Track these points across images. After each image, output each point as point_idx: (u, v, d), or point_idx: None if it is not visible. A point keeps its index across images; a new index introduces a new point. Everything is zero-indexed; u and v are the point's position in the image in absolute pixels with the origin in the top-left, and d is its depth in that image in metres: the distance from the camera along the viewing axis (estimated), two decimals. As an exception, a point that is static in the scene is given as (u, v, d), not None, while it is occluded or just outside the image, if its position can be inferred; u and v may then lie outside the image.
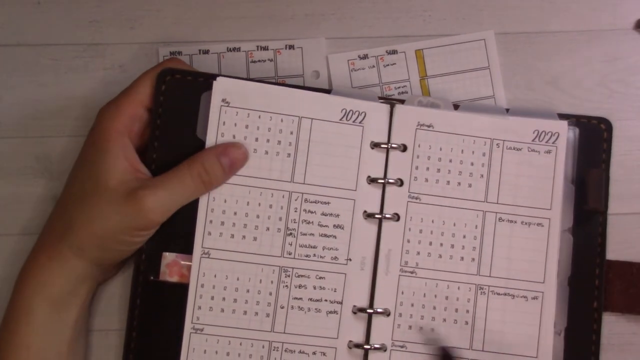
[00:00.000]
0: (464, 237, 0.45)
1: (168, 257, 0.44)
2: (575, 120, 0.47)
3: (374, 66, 0.51)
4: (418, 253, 0.45)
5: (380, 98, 0.47)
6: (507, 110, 0.47)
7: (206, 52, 0.50)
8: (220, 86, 0.45)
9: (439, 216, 0.45)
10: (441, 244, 0.45)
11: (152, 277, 0.44)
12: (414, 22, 0.51)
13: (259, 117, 0.45)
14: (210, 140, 0.44)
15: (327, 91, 0.46)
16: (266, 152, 0.45)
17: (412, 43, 0.51)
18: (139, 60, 0.50)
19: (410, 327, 0.45)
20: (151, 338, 0.44)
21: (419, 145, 0.46)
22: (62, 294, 0.42)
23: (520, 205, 0.45)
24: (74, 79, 0.50)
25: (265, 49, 0.50)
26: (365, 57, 0.51)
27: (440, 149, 0.46)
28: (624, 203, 0.50)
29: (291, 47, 0.51)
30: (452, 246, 0.45)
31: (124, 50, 0.50)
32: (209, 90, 0.45)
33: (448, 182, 0.46)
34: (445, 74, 0.50)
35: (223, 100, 0.45)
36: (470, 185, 0.45)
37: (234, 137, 0.45)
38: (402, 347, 0.44)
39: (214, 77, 0.45)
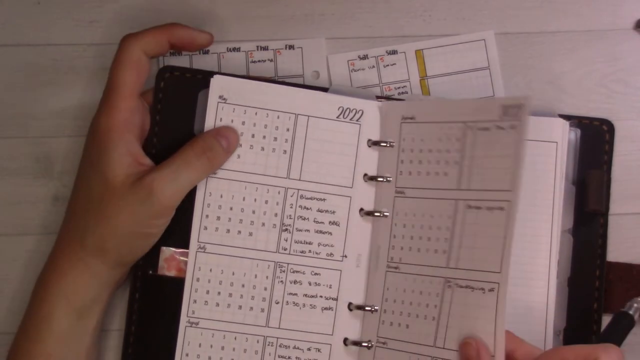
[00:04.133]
0: (439, 228, 0.43)
1: (166, 251, 0.45)
2: (577, 121, 0.47)
3: (374, 66, 0.50)
4: (402, 248, 0.45)
5: (378, 97, 0.47)
6: None
7: (206, 52, 0.50)
8: (217, 83, 0.45)
9: (421, 210, 0.44)
10: (420, 238, 0.44)
11: (150, 272, 0.45)
12: (414, 22, 0.51)
13: (256, 113, 0.45)
14: None
15: (325, 89, 0.46)
16: (262, 149, 0.45)
17: (412, 43, 0.51)
18: (139, 60, 0.50)
19: (391, 323, 0.44)
20: (150, 331, 0.45)
21: (404, 139, 0.45)
22: (86, 302, 0.42)
23: (486, 189, 0.42)
24: (74, 79, 0.50)
25: (265, 49, 0.50)
26: (365, 57, 0.51)
27: (422, 140, 0.45)
28: (624, 203, 0.50)
29: (291, 47, 0.51)
30: (429, 239, 0.44)
31: (124, 50, 0.50)
32: (207, 88, 0.45)
33: (428, 173, 0.44)
34: (445, 74, 0.50)
35: (220, 97, 0.45)
36: (446, 174, 0.44)
37: None
38: (384, 344, 0.44)
39: (211, 74, 0.45)
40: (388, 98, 0.47)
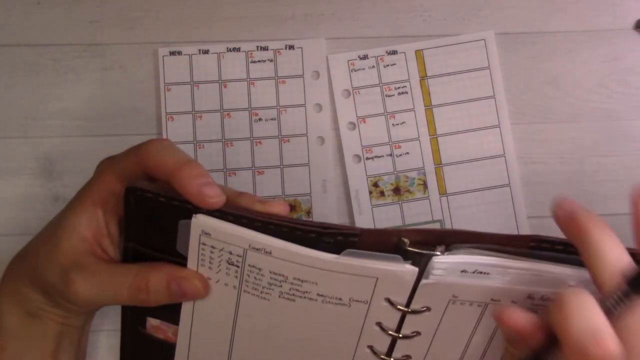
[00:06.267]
0: None
1: (152, 321, 0.41)
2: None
3: (374, 66, 0.50)
4: None
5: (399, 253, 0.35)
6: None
7: (206, 52, 0.50)
8: (199, 223, 0.35)
9: None
10: None
11: (139, 327, 0.41)
12: (414, 22, 0.51)
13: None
14: (191, 266, 0.37)
15: (341, 242, 0.35)
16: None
17: (412, 43, 0.51)
18: (139, 60, 0.50)
19: None
20: None
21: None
22: (36, 308, 0.39)
23: None
24: (74, 79, 0.50)
25: (265, 49, 0.50)
26: (365, 57, 0.51)
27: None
28: (624, 203, 0.50)
29: (291, 47, 0.51)
30: None
31: (124, 50, 0.50)
32: (188, 220, 0.36)
33: None
34: (445, 74, 0.50)
35: (203, 231, 0.36)
36: None
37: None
38: None
39: (188, 202, 0.35)
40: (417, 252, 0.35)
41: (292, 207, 0.49)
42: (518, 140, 0.50)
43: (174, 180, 0.35)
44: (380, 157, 0.50)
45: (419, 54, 0.51)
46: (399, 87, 0.50)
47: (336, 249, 0.34)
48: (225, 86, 0.50)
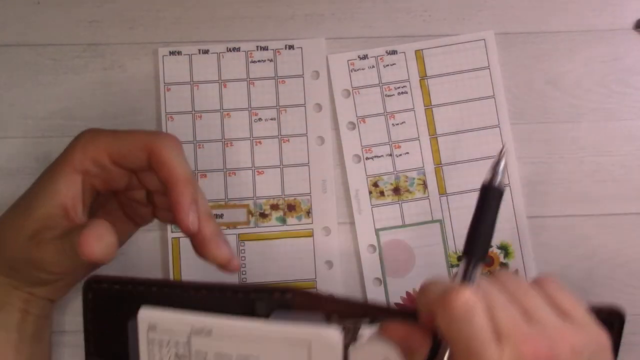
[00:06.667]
0: None
1: None
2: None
3: (373, 66, 0.50)
4: None
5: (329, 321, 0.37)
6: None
7: (206, 52, 0.50)
8: (145, 317, 0.38)
9: None
10: None
11: None
12: (414, 22, 0.51)
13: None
14: None
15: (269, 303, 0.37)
16: None
17: (412, 43, 0.51)
18: (139, 60, 0.50)
19: None
20: None
21: None
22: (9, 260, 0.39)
23: None
24: (74, 79, 0.50)
25: (265, 49, 0.50)
26: (365, 57, 0.51)
27: None
28: (624, 203, 0.50)
29: (291, 47, 0.51)
30: None
31: (124, 50, 0.50)
32: (136, 320, 0.38)
33: None
34: (445, 74, 0.50)
35: (150, 325, 0.38)
36: None
37: None
38: None
39: (138, 304, 0.37)
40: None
41: (292, 207, 0.49)
42: (518, 140, 0.50)
43: (174, 190, 0.37)
44: (380, 157, 0.50)
45: (418, 54, 0.51)
46: (398, 87, 0.50)
47: (269, 311, 0.37)
48: (225, 86, 0.50)
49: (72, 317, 0.48)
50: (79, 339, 0.47)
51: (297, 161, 0.50)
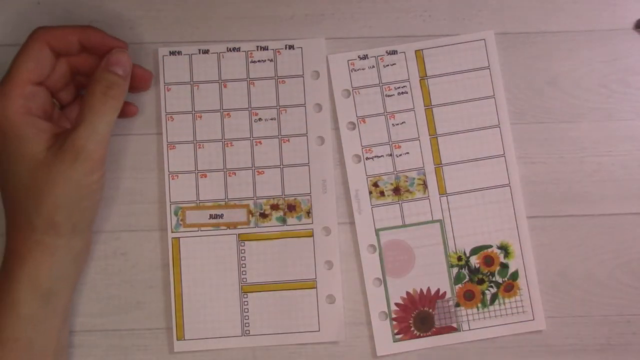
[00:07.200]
0: None
1: None
2: None
3: (373, 66, 0.50)
4: None
5: None
6: None
7: (206, 52, 0.50)
8: None
9: None
10: None
11: None
12: (414, 22, 0.51)
13: None
14: None
15: None
16: None
17: (412, 43, 0.51)
18: (139, 61, 0.50)
19: None
20: None
21: None
22: (51, 282, 0.42)
23: None
24: (74, 79, 0.50)
25: (265, 49, 0.50)
26: (365, 57, 0.51)
27: None
28: (624, 203, 0.50)
29: (291, 47, 0.51)
30: None
31: (124, 50, 0.50)
32: None
33: None
34: (445, 74, 0.50)
35: None
36: None
37: None
38: None
39: None
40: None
41: (292, 207, 0.49)
42: (518, 140, 0.50)
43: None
44: (380, 157, 0.50)
45: (418, 54, 0.51)
46: (398, 87, 0.50)
47: None
48: (225, 86, 0.50)
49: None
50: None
51: (297, 161, 0.50)
